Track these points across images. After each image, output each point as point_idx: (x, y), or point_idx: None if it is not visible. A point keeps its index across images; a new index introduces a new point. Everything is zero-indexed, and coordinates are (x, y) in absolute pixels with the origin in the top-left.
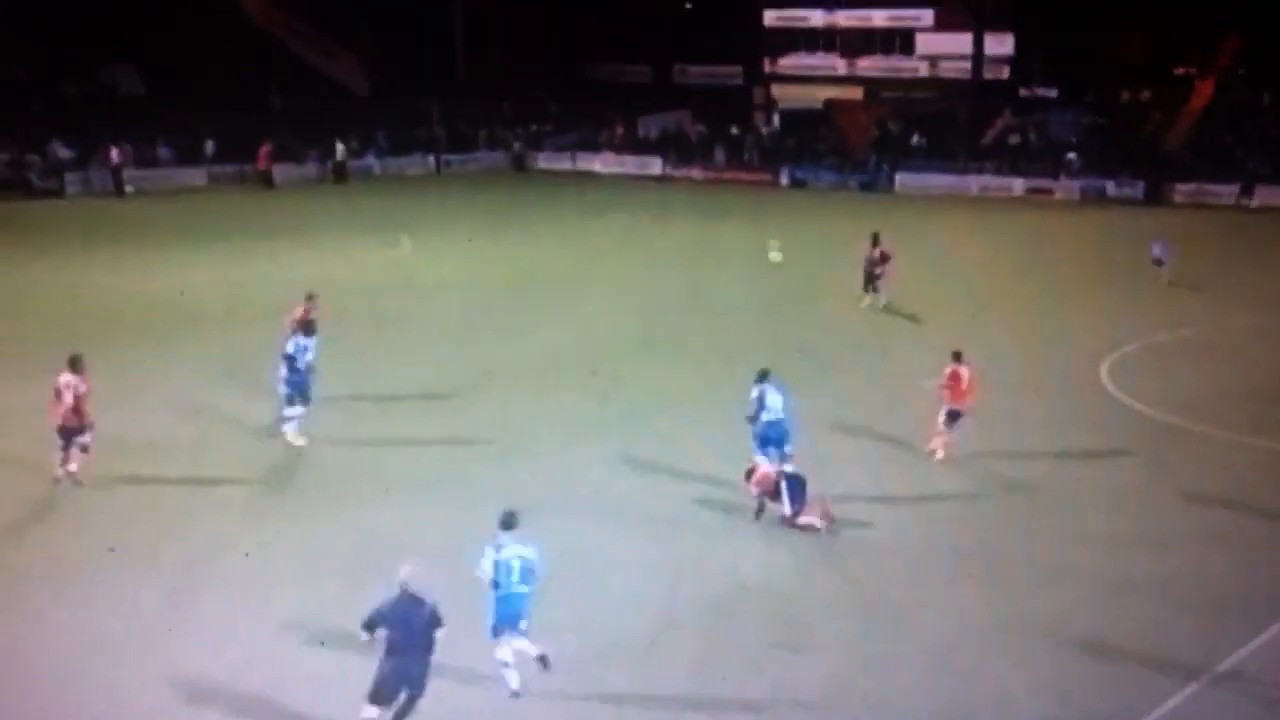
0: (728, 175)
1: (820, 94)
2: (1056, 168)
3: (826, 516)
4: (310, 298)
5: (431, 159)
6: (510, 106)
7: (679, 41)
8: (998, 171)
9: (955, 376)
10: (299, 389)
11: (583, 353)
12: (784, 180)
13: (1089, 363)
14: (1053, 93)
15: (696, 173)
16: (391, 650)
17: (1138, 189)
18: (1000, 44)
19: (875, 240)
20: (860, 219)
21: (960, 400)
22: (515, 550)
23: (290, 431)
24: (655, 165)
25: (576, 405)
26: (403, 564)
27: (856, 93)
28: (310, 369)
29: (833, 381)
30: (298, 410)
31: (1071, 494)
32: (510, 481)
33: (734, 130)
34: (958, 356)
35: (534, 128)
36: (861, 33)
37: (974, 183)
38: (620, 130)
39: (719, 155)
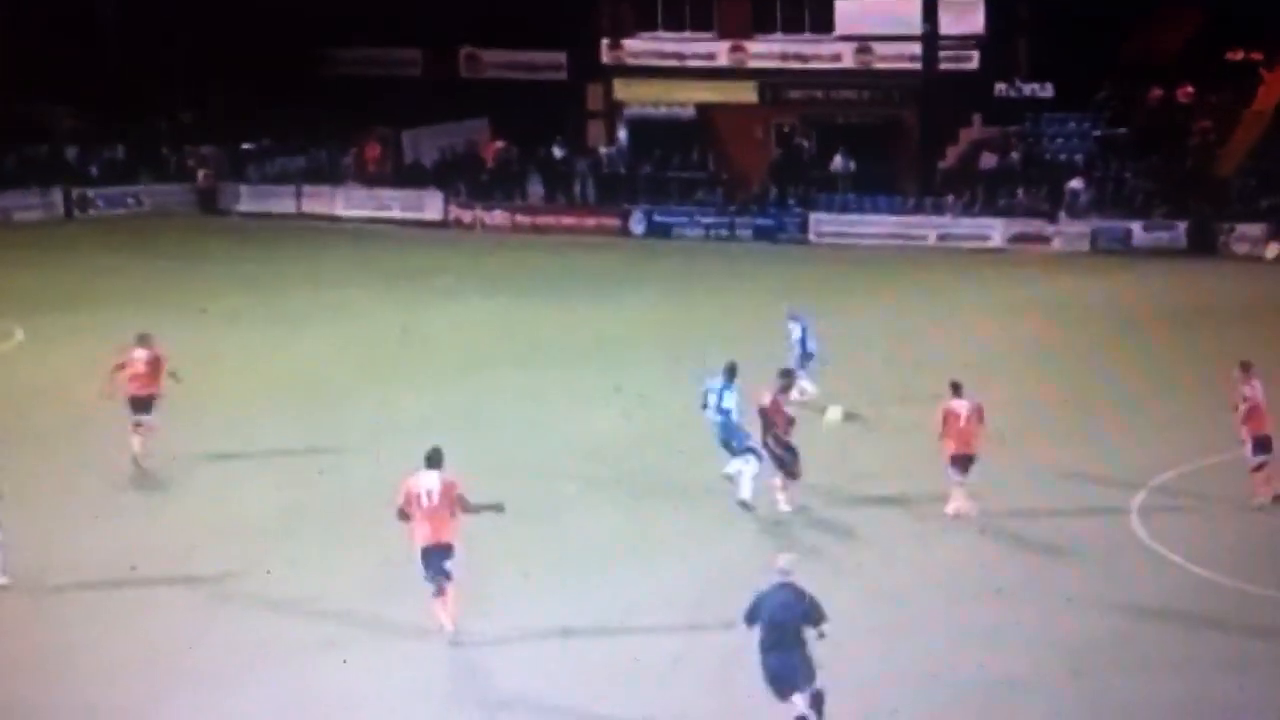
0: (548, 219)
1: (690, 94)
2: (1054, 203)
3: None
4: None
5: (59, 197)
6: (195, 115)
7: (466, 12)
8: (966, 209)
9: (950, 415)
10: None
11: None
12: (636, 226)
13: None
14: (1046, 90)
15: (499, 216)
16: (765, 646)
17: (1177, 233)
18: (965, 17)
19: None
20: (761, 289)
21: (963, 443)
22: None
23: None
24: (433, 204)
25: None
26: (781, 555)
27: (746, 91)
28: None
29: None
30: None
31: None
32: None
33: (556, 150)
34: (956, 389)
35: (237, 147)
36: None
37: (929, 227)
38: (376, 151)
39: (533, 189)
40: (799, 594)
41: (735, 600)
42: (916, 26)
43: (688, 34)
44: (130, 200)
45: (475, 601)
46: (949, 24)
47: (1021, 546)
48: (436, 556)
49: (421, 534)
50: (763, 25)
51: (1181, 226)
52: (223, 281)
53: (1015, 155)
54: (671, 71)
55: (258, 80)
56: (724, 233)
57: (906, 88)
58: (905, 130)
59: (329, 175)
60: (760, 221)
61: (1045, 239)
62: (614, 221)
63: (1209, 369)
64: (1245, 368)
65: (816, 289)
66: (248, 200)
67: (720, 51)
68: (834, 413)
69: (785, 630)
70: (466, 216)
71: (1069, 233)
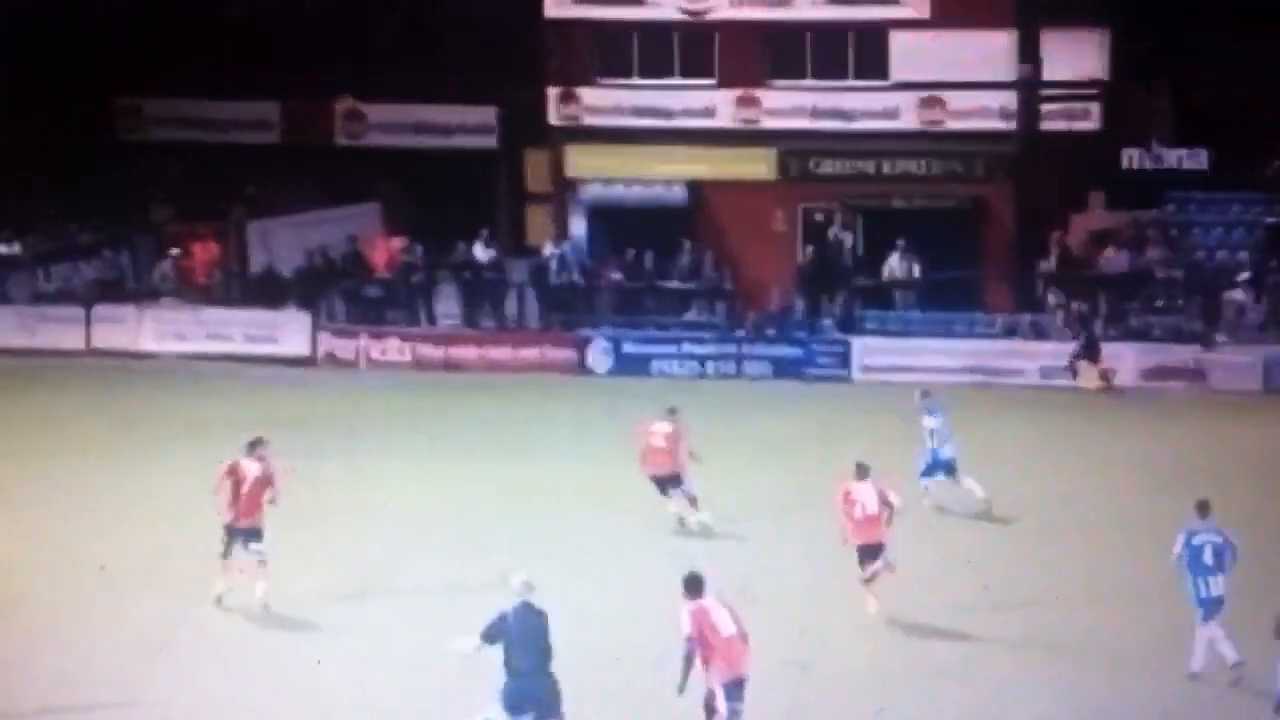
0: (467, 351)
1: (679, 166)
2: (1209, 321)
3: None
4: None
5: None
6: None
7: (345, 48)
8: (1081, 331)
9: (848, 499)
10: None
11: None
12: (599, 360)
13: None
14: (1197, 159)
15: (394, 347)
16: (511, 669)
17: None
18: (1080, 56)
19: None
20: (779, 453)
21: (862, 531)
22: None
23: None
24: (294, 332)
25: None
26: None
27: (760, 163)
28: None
29: None
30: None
31: None
32: None
33: (479, 250)
34: (861, 471)
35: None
36: (770, 33)
37: (1027, 357)
38: (210, 253)
39: (446, 307)
40: (540, 615)
41: None
42: (1008, 69)
43: (675, 80)
44: None
45: None
46: (1057, 65)
47: None
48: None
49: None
50: (784, 68)
51: None
52: None
53: (1153, 253)
54: (651, 134)
55: (17, 143)
56: (729, 368)
57: (994, 156)
58: (991, 217)
59: (133, 290)
60: (781, 351)
61: (1197, 373)
62: (566, 353)
63: None
64: None
65: (864, 448)
66: (5, 329)
67: (723, 106)
68: None
69: (533, 653)
70: (345, 348)
71: (1231, 363)
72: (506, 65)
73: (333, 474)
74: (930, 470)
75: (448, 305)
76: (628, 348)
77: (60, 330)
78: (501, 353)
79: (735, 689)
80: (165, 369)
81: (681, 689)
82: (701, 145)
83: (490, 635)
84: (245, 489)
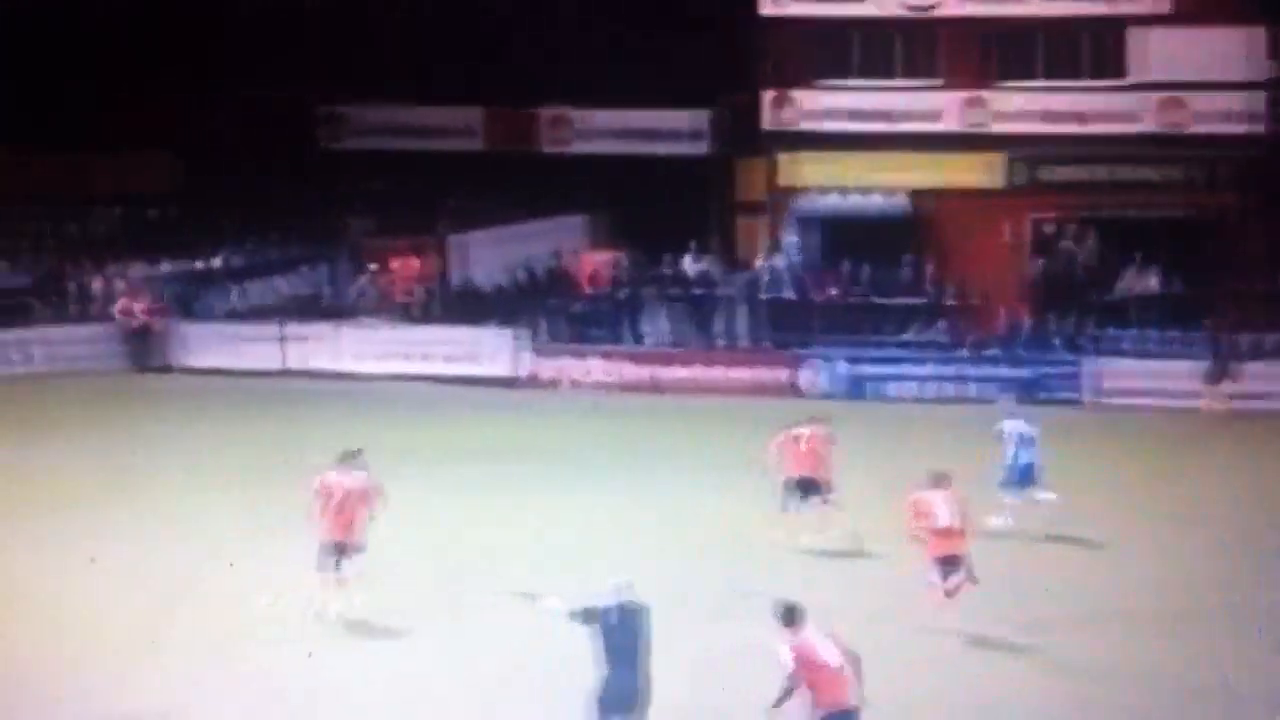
0: (675, 372)
1: (901, 174)
2: None
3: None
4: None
5: None
6: (122, 214)
7: (552, 51)
8: None
9: (919, 509)
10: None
11: None
12: (813, 381)
13: None
14: None
15: (597, 366)
16: (606, 665)
17: None
18: None
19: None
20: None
21: (943, 543)
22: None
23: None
24: (496, 351)
25: None
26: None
27: (988, 169)
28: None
29: None
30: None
31: None
32: None
33: (689, 263)
34: (938, 480)
35: (184, 265)
36: (999, 30)
37: None
38: (412, 268)
39: (653, 325)
40: (641, 611)
41: None
42: (1257, 68)
43: (897, 82)
44: (13, 356)
45: None
46: None
47: None
48: None
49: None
50: (1014, 68)
51: None
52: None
53: None
54: (871, 140)
55: (214, 155)
56: (949, 390)
57: (1240, 162)
58: (1237, 228)
59: (331, 307)
60: (1009, 372)
61: None
62: (779, 374)
63: None
64: None
65: (1099, 485)
66: (199, 348)
67: (948, 108)
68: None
69: (630, 651)
70: (548, 369)
71: None
72: (719, 67)
73: (531, 503)
74: (1007, 483)
75: (654, 323)
76: (843, 368)
77: (255, 349)
78: (712, 374)
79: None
80: (361, 391)
81: (777, 704)
82: (925, 151)
83: (585, 616)
84: (335, 503)
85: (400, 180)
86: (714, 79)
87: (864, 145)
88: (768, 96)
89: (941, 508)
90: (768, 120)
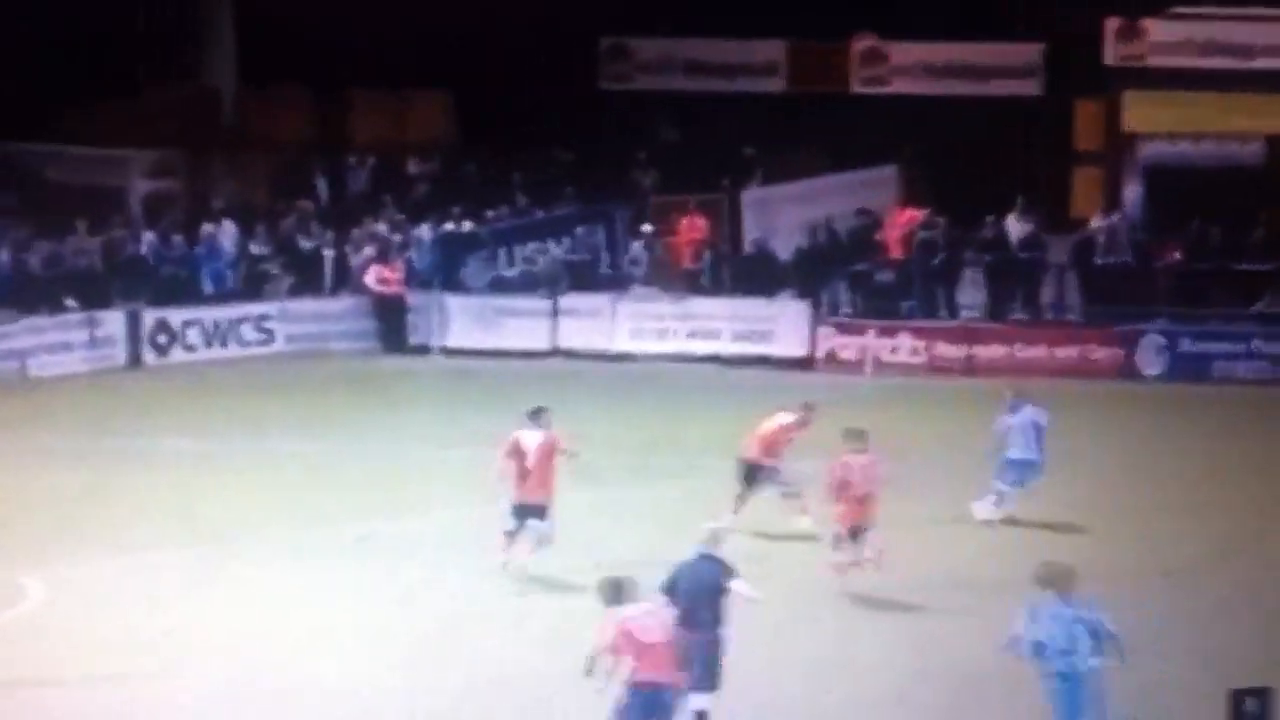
0: (992, 350)
1: (1257, 120)
2: None
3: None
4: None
5: (119, 327)
6: (379, 171)
7: None
8: None
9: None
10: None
11: None
12: (1150, 361)
13: None
14: None
15: (905, 344)
16: (681, 622)
17: None
18: None
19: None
20: None
21: (854, 512)
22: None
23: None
24: (790, 325)
25: None
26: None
27: None
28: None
29: None
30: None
31: None
32: None
33: (1013, 224)
34: (855, 440)
35: (442, 224)
36: None
37: None
38: (699, 229)
39: (968, 295)
40: (717, 563)
41: None
42: None
43: (1261, 10)
44: (252, 330)
45: None
46: None
47: None
48: None
49: None
50: None
51: None
52: None
53: None
54: (1229, 78)
55: (482, 97)
56: None
57: None
58: None
59: (608, 275)
60: None
61: None
62: (1111, 353)
63: None
64: None
65: None
66: (460, 326)
67: None
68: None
69: (699, 604)
70: (849, 347)
71: None
72: None
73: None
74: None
75: (970, 293)
76: (1185, 345)
77: (523, 326)
78: (1035, 352)
79: (655, 695)
80: (640, 374)
81: (589, 672)
82: None
83: (666, 588)
84: (530, 462)
85: (690, 127)
86: (1049, 6)
87: (1220, 84)
88: (1111, 26)
89: (857, 474)
90: (1111, 54)
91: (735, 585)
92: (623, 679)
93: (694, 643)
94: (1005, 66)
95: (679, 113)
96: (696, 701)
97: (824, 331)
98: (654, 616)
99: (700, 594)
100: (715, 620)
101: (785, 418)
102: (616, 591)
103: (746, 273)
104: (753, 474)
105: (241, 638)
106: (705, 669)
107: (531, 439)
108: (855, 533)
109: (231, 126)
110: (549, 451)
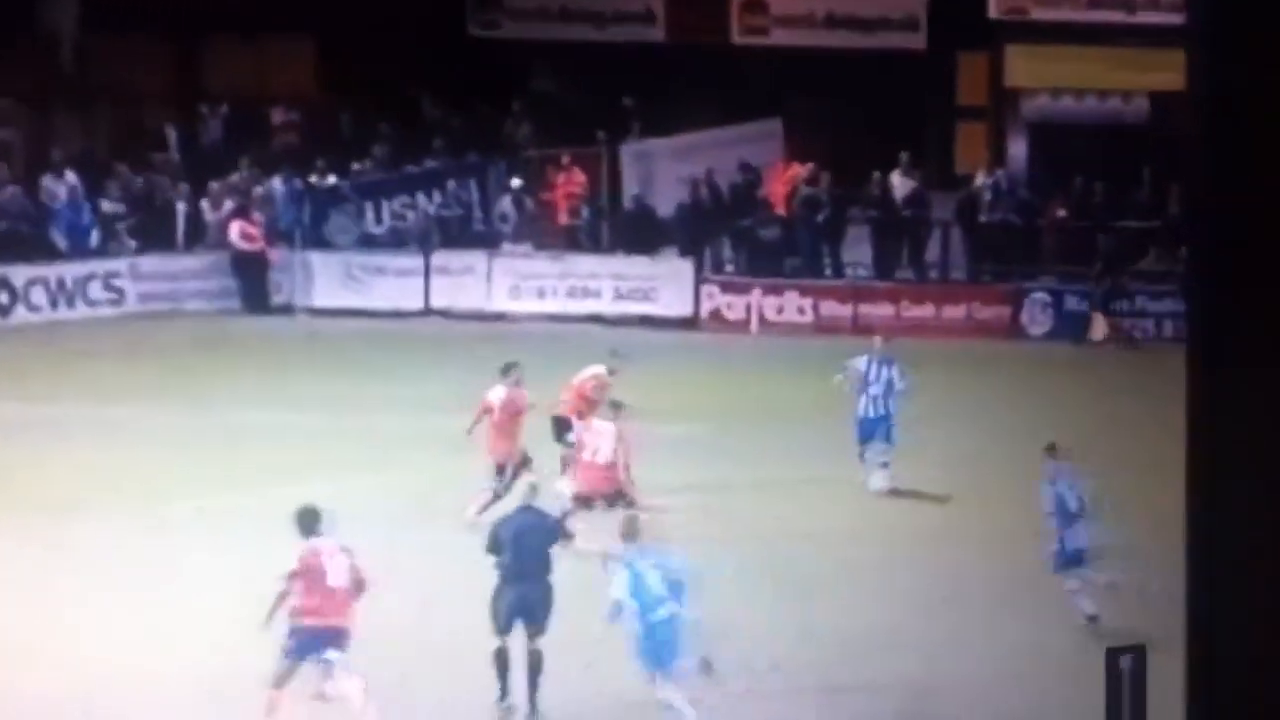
0: (878, 308)
1: (1140, 76)
2: None
3: None
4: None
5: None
6: (231, 116)
7: None
8: None
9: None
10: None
11: None
12: (1034, 320)
13: None
14: None
15: (791, 303)
16: (507, 577)
17: None
18: None
19: None
20: None
21: (589, 479)
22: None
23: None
24: (674, 284)
25: None
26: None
27: None
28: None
29: None
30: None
31: None
32: None
33: (897, 180)
34: (612, 408)
35: (306, 177)
36: None
37: None
38: (576, 184)
39: (853, 251)
40: (542, 516)
41: None
42: None
43: None
44: (100, 289)
45: None
46: None
47: None
48: None
49: None
50: None
51: None
52: None
53: None
54: (1114, 33)
55: (340, 46)
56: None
57: None
58: None
59: (481, 232)
60: None
61: None
62: (997, 311)
63: None
64: None
65: None
66: (325, 285)
67: None
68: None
69: (528, 557)
70: (734, 306)
71: None
72: None
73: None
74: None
75: (855, 251)
76: (1070, 304)
77: (393, 284)
78: (922, 311)
79: (330, 637)
80: (518, 334)
81: (270, 616)
82: (1173, 48)
83: (490, 547)
84: (495, 419)
85: (565, 78)
86: None
87: (1105, 39)
88: None
89: (605, 441)
90: (994, 7)
91: (570, 525)
92: (290, 615)
93: (527, 591)
94: (888, 19)
95: (553, 62)
96: (529, 646)
97: (708, 290)
98: (338, 558)
99: (526, 545)
100: (544, 568)
101: (594, 369)
102: (313, 521)
103: (627, 229)
104: (561, 430)
105: (72, 607)
106: (536, 616)
107: (496, 395)
108: (588, 500)
109: (73, 75)
110: (512, 410)
